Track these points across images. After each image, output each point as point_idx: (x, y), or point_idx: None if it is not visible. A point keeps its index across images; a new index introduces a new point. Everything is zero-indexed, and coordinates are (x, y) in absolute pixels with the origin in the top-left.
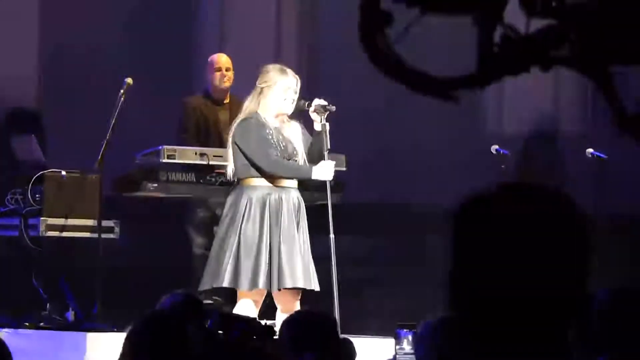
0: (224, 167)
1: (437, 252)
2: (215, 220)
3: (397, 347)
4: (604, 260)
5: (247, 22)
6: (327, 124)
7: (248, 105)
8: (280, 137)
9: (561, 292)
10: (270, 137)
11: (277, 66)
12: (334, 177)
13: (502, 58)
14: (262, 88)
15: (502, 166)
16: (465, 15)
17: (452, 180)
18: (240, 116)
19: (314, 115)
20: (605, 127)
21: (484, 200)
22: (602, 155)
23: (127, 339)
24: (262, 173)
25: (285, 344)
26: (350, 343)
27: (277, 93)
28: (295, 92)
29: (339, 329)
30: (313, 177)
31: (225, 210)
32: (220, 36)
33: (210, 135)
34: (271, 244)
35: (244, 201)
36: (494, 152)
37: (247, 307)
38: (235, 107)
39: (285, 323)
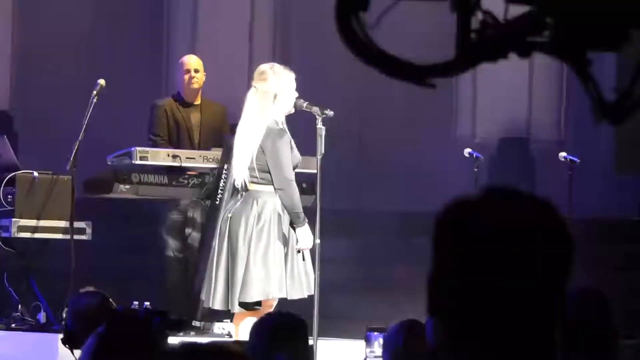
0: (196, 169)
1: (412, 255)
2: (187, 222)
3: (368, 350)
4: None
5: (220, 23)
6: (324, 128)
7: (265, 110)
8: None
9: (543, 296)
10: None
11: (278, 66)
12: (306, 179)
13: (480, 44)
14: (275, 93)
15: (475, 169)
16: (442, 0)
17: (426, 183)
18: (263, 122)
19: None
20: (578, 132)
21: (467, 205)
22: (575, 158)
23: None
24: (276, 184)
25: (257, 345)
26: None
27: (291, 94)
28: None
29: (315, 332)
30: (297, 229)
31: (252, 217)
32: (193, 38)
33: (181, 137)
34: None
35: (276, 208)
36: (467, 155)
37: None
38: (206, 109)
39: (257, 325)
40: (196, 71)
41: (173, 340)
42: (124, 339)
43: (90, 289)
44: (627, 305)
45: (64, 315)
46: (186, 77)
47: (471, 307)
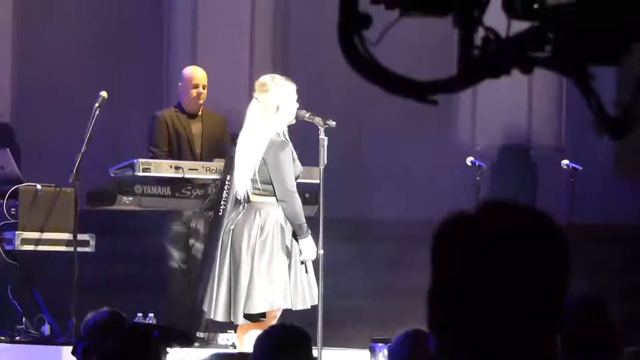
0: (199, 180)
1: (414, 264)
2: (191, 234)
3: None
4: (577, 270)
5: (220, 33)
6: (326, 139)
7: (267, 122)
8: None
9: (543, 305)
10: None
11: (279, 78)
12: (309, 189)
13: (483, 60)
14: (277, 105)
15: (477, 178)
16: (444, 17)
17: (428, 191)
18: (266, 134)
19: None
20: (579, 140)
21: (465, 219)
22: (577, 166)
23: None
24: (278, 196)
25: (261, 357)
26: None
27: (292, 105)
28: None
29: (319, 341)
30: (300, 240)
31: (255, 228)
32: (193, 47)
33: (182, 147)
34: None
35: (279, 219)
36: (469, 164)
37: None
38: (207, 119)
39: (261, 337)
40: (204, 87)
41: (175, 353)
42: (125, 352)
43: (105, 308)
44: (626, 308)
45: (80, 330)
46: (194, 91)
47: (471, 318)
